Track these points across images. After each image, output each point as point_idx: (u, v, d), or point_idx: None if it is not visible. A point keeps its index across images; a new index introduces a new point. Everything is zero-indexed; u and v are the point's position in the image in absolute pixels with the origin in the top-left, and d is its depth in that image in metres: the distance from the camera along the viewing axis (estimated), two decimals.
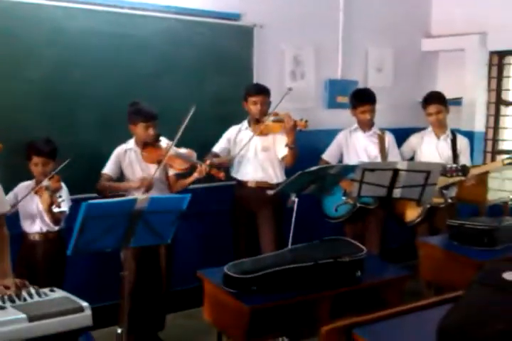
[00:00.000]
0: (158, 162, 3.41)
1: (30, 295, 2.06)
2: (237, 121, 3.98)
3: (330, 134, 4.33)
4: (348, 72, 5.03)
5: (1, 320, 1.82)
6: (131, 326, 2.86)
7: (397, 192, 3.44)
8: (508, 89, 5.24)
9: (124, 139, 3.59)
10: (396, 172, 3.37)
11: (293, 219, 3.33)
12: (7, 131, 3.14)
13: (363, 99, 4.11)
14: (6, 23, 3.40)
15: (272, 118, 3.72)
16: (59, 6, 3.58)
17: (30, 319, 1.85)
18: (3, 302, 1.99)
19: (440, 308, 2.12)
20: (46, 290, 2.12)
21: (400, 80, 5.35)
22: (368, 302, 2.72)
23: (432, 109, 4.21)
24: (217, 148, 3.89)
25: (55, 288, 2.14)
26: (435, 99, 4.24)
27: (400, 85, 5.31)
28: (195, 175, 3.46)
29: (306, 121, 3.66)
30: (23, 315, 1.86)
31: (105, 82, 3.76)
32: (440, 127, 4.30)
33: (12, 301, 2.00)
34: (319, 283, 2.60)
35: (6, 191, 3.13)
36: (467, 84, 5.27)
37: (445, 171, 3.81)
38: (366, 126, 4.18)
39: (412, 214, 4.02)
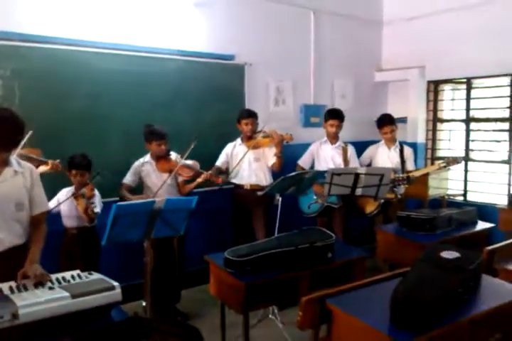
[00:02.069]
0: (170, 171, 3.41)
1: (73, 278, 2.02)
2: (232, 138, 3.97)
3: (306, 147, 4.33)
4: (319, 98, 5.03)
5: (51, 297, 1.79)
6: (153, 300, 2.84)
7: (358, 191, 3.45)
8: (443, 110, 5.27)
9: (142, 153, 3.58)
10: (357, 175, 3.39)
11: (278, 214, 3.33)
12: (54, 148, 3.13)
13: (333, 114, 4.14)
14: (49, 64, 3.40)
15: (261, 134, 3.73)
16: (91, 51, 3.57)
17: (73, 296, 1.82)
18: (52, 283, 1.96)
19: (393, 281, 2.14)
20: (85, 273, 2.08)
21: (358, 104, 5.36)
22: (337, 277, 2.72)
23: (386, 129, 4.30)
24: (219, 163, 3.88)
25: (92, 272, 2.10)
26: (387, 122, 4.32)
27: (358, 108, 5.31)
28: (199, 180, 3.46)
29: (291, 135, 3.67)
30: (67, 294, 1.83)
31: (127, 109, 3.75)
32: (391, 141, 4.35)
33: (59, 282, 1.97)
34: (299, 264, 2.59)
35: (53, 194, 3.15)
36: (410, 106, 5.31)
37: (394, 181, 3.86)
38: (333, 138, 4.19)
39: (371, 207, 4.02)
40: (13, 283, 1.95)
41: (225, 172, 3.87)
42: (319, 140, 4.27)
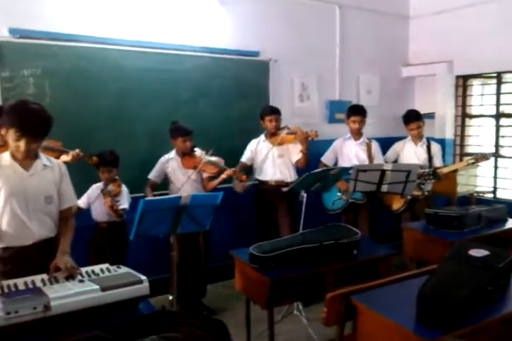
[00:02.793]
0: (195, 167, 3.44)
1: (102, 271, 2.05)
2: (257, 134, 3.98)
3: (331, 143, 4.30)
4: (344, 94, 4.99)
5: (81, 290, 1.83)
6: (179, 294, 2.88)
7: (384, 188, 3.40)
8: (471, 105, 5.16)
9: (169, 150, 3.62)
10: (383, 172, 3.35)
11: (303, 210, 3.32)
12: (84, 145, 3.20)
13: (355, 110, 4.09)
14: (78, 63, 3.47)
15: (285, 131, 3.72)
16: (119, 49, 3.63)
17: (103, 289, 1.84)
18: (82, 276, 2.00)
19: (420, 279, 2.11)
20: (114, 267, 2.10)
21: (385, 100, 5.29)
22: (363, 274, 2.69)
23: (412, 126, 4.23)
24: (244, 159, 3.90)
25: (120, 266, 2.12)
26: (414, 118, 4.25)
27: (385, 104, 5.25)
28: (223, 177, 3.47)
29: (316, 131, 3.64)
30: (97, 286, 1.86)
31: (154, 107, 3.80)
32: (418, 137, 4.28)
33: (89, 276, 2.01)
34: (324, 260, 2.58)
35: (83, 190, 3.22)
36: (438, 101, 5.20)
37: (420, 176, 3.79)
38: (356, 134, 4.14)
39: (397, 204, 3.97)
40: (45, 276, 1.99)
41: (249, 167, 3.87)
42: (342, 136, 4.23)
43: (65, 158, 2.90)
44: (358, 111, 4.08)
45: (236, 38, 4.22)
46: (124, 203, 3.19)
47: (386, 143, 4.39)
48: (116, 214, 3.14)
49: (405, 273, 2.30)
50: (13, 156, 2.19)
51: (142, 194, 3.42)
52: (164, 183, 3.63)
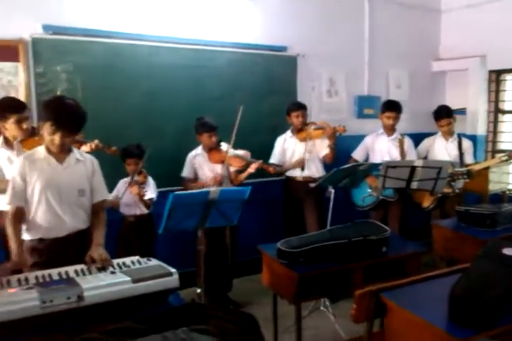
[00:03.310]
0: (221, 162, 3.46)
1: (133, 263, 2.08)
2: (285, 129, 3.96)
3: (359, 139, 4.25)
4: (373, 89, 4.92)
5: (113, 281, 1.86)
6: (206, 288, 2.91)
7: (414, 184, 3.35)
8: (504, 101, 5.02)
9: (198, 145, 3.64)
10: (413, 168, 3.29)
11: (330, 206, 3.30)
12: (114, 140, 3.25)
13: (390, 106, 4.03)
14: (110, 59, 3.51)
15: (313, 127, 3.69)
16: (151, 45, 3.67)
17: (134, 281, 1.87)
18: (114, 268, 2.03)
19: (451, 277, 2.06)
20: (144, 259, 2.13)
21: (414, 95, 5.20)
22: (392, 271, 2.66)
23: (443, 122, 4.15)
24: (273, 159, 3.88)
25: (151, 258, 2.16)
26: (444, 114, 4.17)
27: (414, 98, 5.15)
28: (250, 170, 3.48)
29: (344, 126, 3.61)
30: (128, 278, 1.89)
31: (185, 102, 3.82)
32: (449, 133, 4.20)
33: (120, 267, 2.04)
34: (352, 257, 2.55)
35: (112, 184, 3.25)
36: (470, 96, 5.07)
37: (454, 175, 3.71)
38: (389, 130, 4.08)
39: (427, 201, 3.91)
40: (78, 267, 2.04)
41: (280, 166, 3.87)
42: (375, 132, 4.17)
43: (84, 148, 2.95)
44: (393, 107, 4.01)
45: (264, 32, 4.21)
46: (152, 193, 3.25)
47: (416, 139, 4.31)
48: (144, 203, 3.20)
49: (436, 271, 2.26)
50: (48, 150, 2.24)
51: (171, 188, 3.44)
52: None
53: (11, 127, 2.73)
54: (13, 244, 2.15)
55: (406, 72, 5.17)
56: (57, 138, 2.17)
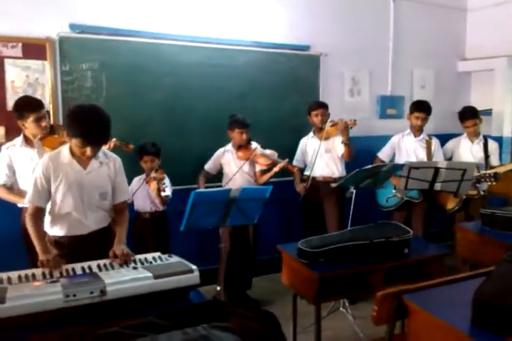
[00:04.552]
0: (249, 159, 3.48)
1: (155, 259, 2.10)
2: (306, 130, 3.94)
3: (382, 139, 4.21)
4: (397, 88, 4.86)
5: (135, 276, 1.89)
6: (225, 285, 2.92)
7: (437, 186, 3.28)
8: None
9: (221, 144, 3.65)
10: (437, 170, 3.24)
11: (351, 207, 3.28)
12: (137, 139, 3.28)
13: (420, 107, 3.97)
14: (134, 57, 3.55)
15: (329, 124, 3.67)
16: (174, 44, 3.69)
17: (155, 277, 1.89)
18: (135, 263, 2.06)
19: (474, 281, 2.03)
20: (166, 256, 2.15)
21: (439, 95, 5.12)
22: (413, 274, 2.63)
23: (469, 123, 4.08)
24: (296, 162, 3.87)
25: (172, 255, 2.17)
26: (470, 115, 4.09)
27: (439, 99, 5.06)
28: (275, 170, 3.48)
29: (355, 120, 3.55)
30: (150, 274, 1.90)
31: (208, 101, 3.84)
32: (474, 134, 4.13)
33: (142, 263, 2.06)
34: (373, 258, 2.53)
35: (129, 182, 3.30)
36: (496, 97, 4.97)
37: (480, 178, 3.64)
38: (417, 131, 4.02)
39: (451, 203, 3.84)
40: (101, 262, 2.07)
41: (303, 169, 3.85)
42: (401, 132, 4.12)
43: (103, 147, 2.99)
44: (423, 108, 3.96)
45: (288, 32, 4.20)
46: (168, 190, 3.27)
47: (440, 140, 4.24)
48: (161, 200, 3.22)
49: (459, 274, 2.22)
50: (72, 153, 2.26)
51: (193, 186, 3.47)
52: (219, 175, 3.67)
53: (30, 126, 2.79)
54: (36, 242, 2.18)
55: (431, 72, 5.10)
56: (88, 150, 2.18)
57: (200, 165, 3.63)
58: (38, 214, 2.25)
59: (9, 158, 2.86)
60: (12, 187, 2.90)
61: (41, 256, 2.10)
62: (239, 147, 3.54)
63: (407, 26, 4.85)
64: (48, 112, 3.09)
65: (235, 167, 3.54)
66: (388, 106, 4.74)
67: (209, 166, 3.61)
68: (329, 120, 3.68)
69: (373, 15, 4.68)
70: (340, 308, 3.26)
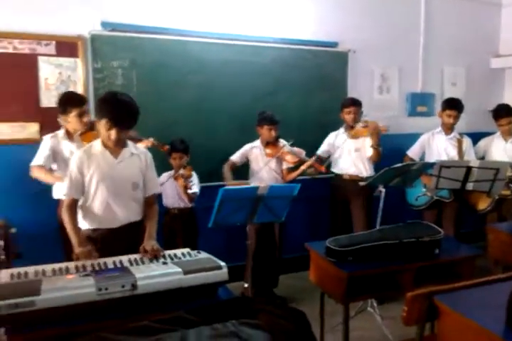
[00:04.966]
0: (276, 157, 3.48)
1: (184, 255, 2.12)
2: (335, 127, 3.90)
3: (411, 137, 4.14)
4: (427, 86, 4.78)
5: (165, 271, 1.90)
6: (252, 283, 2.93)
7: (469, 186, 3.22)
8: None
9: (249, 141, 3.66)
10: (469, 169, 3.17)
11: (380, 206, 3.24)
12: (165, 136, 3.31)
13: (452, 105, 3.89)
14: (163, 55, 3.58)
15: (361, 124, 3.63)
16: (202, 41, 3.71)
17: (185, 272, 1.90)
18: (165, 259, 2.08)
19: (508, 283, 1.98)
20: (195, 252, 2.16)
21: (471, 92, 5.00)
22: (444, 275, 2.58)
23: (503, 121, 4.00)
24: (320, 151, 3.84)
25: (200, 251, 2.18)
26: (505, 113, 4.01)
27: (471, 97, 4.94)
28: (303, 168, 3.46)
29: (387, 126, 3.53)
30: (180, 269, 1.92)
31: (235, 98, 3.85)
32: (508, 133, 4.03)
33: (171, 258, 2.08)
34: (403, 258, 2.49)
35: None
36: None
37: None
38: (448, 129, 3.95)
39: (483, 204, 3.77)
40: (131, 256, 2.10)
41: (325, 160, 3.82)
42: (431, 130, 4.04)
43: (140, 145, 3.03)
44: (455, 106, 3.88)
45: (315, 28, 4.16)
46: (196, 187, 3.30)
47: (472, 139, 4.15)
48: (189, 197, 3.25)
49: (491, 276, 2.17)
50: (104, 144, 2.32)
51: (221, 183, 3.48)
52: (246, 170, 3.67)
53: (72, 120, 2.86)
54: (72, 235, 2.24)
55: (462, 69, 4.99)
56: (113, 133, 2.23)
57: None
58: (75, 206, 2.32)
59: (52, 145, 2.93)
60: (48, 170, 2.94)
61: (76, 250, 2.16)
62: (267, 144, 3.55)
63: (438, 21, 4.75)
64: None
65: (262, 163, 3.55)
66: (418, 103, 4.66)
67: (235, 157, 3.61)
68: (362, 120, 3.64)
69: (403, 10, 4.60)
70: (368, 308, 3.22)
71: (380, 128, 3.51)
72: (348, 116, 3.70)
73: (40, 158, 2.91)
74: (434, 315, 1.97)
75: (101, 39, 3.39)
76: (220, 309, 1.66)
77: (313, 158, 3.47)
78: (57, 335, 1.63)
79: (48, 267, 1.95)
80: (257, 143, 3.62)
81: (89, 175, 2.30)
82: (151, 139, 3.10)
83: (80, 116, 2.84)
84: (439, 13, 4.75)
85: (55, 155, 2.93)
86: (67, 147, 2.93)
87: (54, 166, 2.98)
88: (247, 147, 3.63)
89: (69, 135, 2.96)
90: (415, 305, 1.94)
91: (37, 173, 2.89)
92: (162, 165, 3.19)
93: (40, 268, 1.94)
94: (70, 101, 2.87)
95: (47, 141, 2.95)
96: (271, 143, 3.52)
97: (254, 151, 3.60)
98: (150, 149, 2.76)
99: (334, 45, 4.27)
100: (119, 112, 2.21)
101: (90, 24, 3.37)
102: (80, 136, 2.87)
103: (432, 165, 3.32)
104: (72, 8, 3.33)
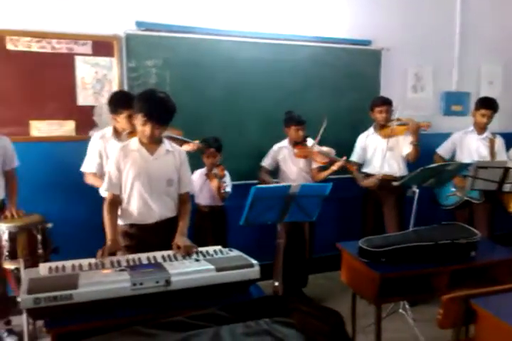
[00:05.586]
0: (305, 157, 3.45)
1: (216, 252, 2.13)
2: (366, 126, 3.85)
3: (445, 137, 4.03)
4: (462, 84, 4.66)
5: (198, 268, 1.92)
6: (282, 281, 2.91)
7: (507, 187, 3.15)
8: None
9: (277, 139, 3.64)
10: (507, 170, 3.08)
11: (414, 206, 3.17)
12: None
13: (487, 104, 3.77)
14: (194, 54, 3.60)
15: (396, 122, 3.57)
16: (233, 40, 3.72)
17: (217, 269, 1.91)
18: (198, 255, 2.09)
19: None
20: (226, 249, 2.17)
21: (509, 92, 4.85)
22: (480, 278, 2.51)
23: None
24: (354, 157, 3.78)
25: (232, 249, 2.19)
26: None
27: (509, 96, 4.80)
28: (333, 168, 3.43)
29: (429, 122, 3.47)
30: (212, 266, 1.93)
31: (265, 97, 3.84)
32: None
33: (203, 256, 2.09)
34: (438, 260, 2.44)
35: None
36: None
37: None
38: (481, 129, 3.83)
39: None
40: (164, 253, 2.13)
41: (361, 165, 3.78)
42: (463, 129, 3.94)
43: (186, 147, 3.07)
44: (490, 105, 3.76)
45: (348, 26, 4.12)
46: (229, 187, 3.30)
47: (507, 139, 4.01)
48: (221, 196, 3.26)
49: None
50: (141, 141, 2.36)
51: (252, 181, 3.49)
52: (276, 170, 3.67)
53: (122, 121, 2.91)
54: (108, 230, 2.29)
55: (500, 68, 4.85)
56: (147, 129, 2.27)
57: (258, 161, 3.64)
58: (115, 202, 2.37)
59: (100, 146, 2.97)
60: (101, 177, 2.95)
61: (108, 242, 2.21)
62: (295, 144, 3.52)
63: (475, 19, 4.62)
64: None
65: (292, 164, 3.53)
66: (453, 102, 4.56)
67: (266, 162, 3.62)
68: (396, 118, 3.58)
69: (438, 7, 4.49)
70: (400, 310, 3.17)
71: (421, 124, 3.44)
72: (379, 115, 3.64)
73: (92, 165, 2.97)
74: (470, 319, 1.92)
75: (135, 38, 3.44)
76: (253, 307, 1.66)
77: (344, 158, 3.42)
78: (93, 328, 1.65)
79: (85, 261, 1.99)
80: (285, 143, 3.61)
81: (126, 171, 2.34)
82: (197, 142, 3.12)
83: (130, 117, 2.83)
84: (475, 11, 4.62)
85: (103, 155, 2.97)
86: (114, 146, 2.95)
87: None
88: (274, 148, 3.62)
89: (117, 134, 2.99)
90: (451, 308, 1.90)
91: (91, 180, 2.98)
92: (194, 162, 3.21)
93: (77, 262, 1.98)
94: (121, 102, 2.88)
95: (95, 144, 2.99)
96: (299, 143, 3.51)
97: (282, 152, 3.58)
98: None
99: (367, 43, 4.21)
100: (154, 108, 2.24)
101: (125, 24, 3.42)
102: (128, 135, 2.90)
103: (467, 165, 3.24)
104: (108, 9, 3.40)
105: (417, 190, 3.13)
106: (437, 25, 4.50)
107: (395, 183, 3.31)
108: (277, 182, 3.51)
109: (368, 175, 3.75)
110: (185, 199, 2.50)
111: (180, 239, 2.23)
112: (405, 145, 3.60)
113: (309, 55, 3.97)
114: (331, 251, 2.88)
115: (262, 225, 2.93)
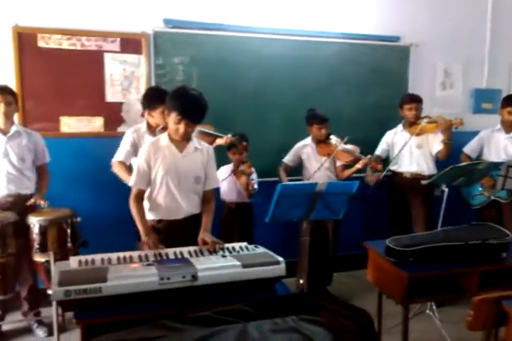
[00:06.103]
0: (329, 155, 3.41)
1: (242, 249, 2.13)
2: (393, 123, 3.78)
3: (474, 136, 3.93)
4: (493, 81, 4.53)
5: (225, 264, 1.92)
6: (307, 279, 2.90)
7: None
8: None
9: (302, 136, 3.62)
10: None
11: (442, 206, 3.11)
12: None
13: (511, 101, 3.67)
14: (223, 51, 3.62)
15: (426, 120, 3.49)
16: (260, 37, 3.72)
17: (244, 266, 1.91)
18: (224, 252, 2.09)
19: None
20: (252, 246, 2.17)
21: None
22: (509, 280, 2.44)
23: None
24: (379, 152, 3.74)
25: (258, 245, 2.18)
26: None
27: None
28: (357, 166, 3.38)
29: (461, 119, 3.39)
30: (239, 263, 1.92)
31: (291, 93, 3.83)
32: None
33: (230, 252, 2.09)
34: (468, 260, 2.38)
35: None
36: None
37: None
38: (508, 127, 3.71)
39: None
40: (191, 248, 2.14)
41: (384, 160, 3.72)
42: (491, 127, 3.84)
43: (220, 141, 3.08)
44: None
45: (375, 22, 4.06)
46: (256, 184, 3.30)
47: None
48: (249, 193, 3.25)
49: None
50: (170, 138, 2.37)
51: (275, 179, 3.48)
52: (298, 168, 3.65)
53: (157, 117, 2.93)
54: (139, 225, 2.31)
55: None
56: (181, 127, 2.27)
57: (281, 158, 3.63)
58: (141, 197, 2.39)
59: (134, 139, 2.99)
60: (129, 167, 2.98)
61: (143, 238, 2.24)
62: (318, 142, 3.49)
63: (506, 14, 4.49)
64: None
65: (315, 162, 3.50)
66: (483, 100, 4.44)
67: (288, 159, 3.60)
68: (426, 116, 3.51)
69: (469, 2, 4.38)
70: (427, 311, 3.11)
71: (453, 122, 3.37)
72: (409, 112, 3.58)
73: (121, 153, 2.99)
74: (501, 321, 1.87)
75: (163, 36, 3.46)
76: (280, 304, 1.65)
77: (369, 157, 3.37)
78: (120, 321, 1.67)
79: (113, 255, 2.02)
80: (308, 140, 3.58)
81: (156, 167, 2.35)
82: (229, 135, 3.13)
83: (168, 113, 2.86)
84: (507, 5, 4.48)
85: (136, 150, 2.96)
86: (148, 140, 2.97)
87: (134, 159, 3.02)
88: (298, 145, 3.60)
89: (151, 129, 3.01)
90: (482, 309, 1.86)
91: (116, 169, 2.97)
92: (220, 158, 3.22)
93: (105, 256, 2.01)
94: (157, 97, 2.89)
95: (128, 136, 3.01)
96: (322, 142, 3.47)
97: (305, 150, 3.56)
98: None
99: (396, 39, 4.15)
100: (189, 106, 2.24)
101: (153, 21, 3.45)
102: (161, 130, 2.92)
103: (498, 165, 3.15)
104: (136, 6, 3.43)
105: (446, 189, 3.07)
106: (467, 21, 4.40)
107: (424, 182, 3.25)
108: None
109: (394, 174, 3.69)
110: (209, 196, 2.50)
111: (206, 235, 2.24)
112: (435, 143, 3.53)
113: (336, 51, 3.94)
114: (356, 250, 2.84)
115: (286, 222, 2.90)
